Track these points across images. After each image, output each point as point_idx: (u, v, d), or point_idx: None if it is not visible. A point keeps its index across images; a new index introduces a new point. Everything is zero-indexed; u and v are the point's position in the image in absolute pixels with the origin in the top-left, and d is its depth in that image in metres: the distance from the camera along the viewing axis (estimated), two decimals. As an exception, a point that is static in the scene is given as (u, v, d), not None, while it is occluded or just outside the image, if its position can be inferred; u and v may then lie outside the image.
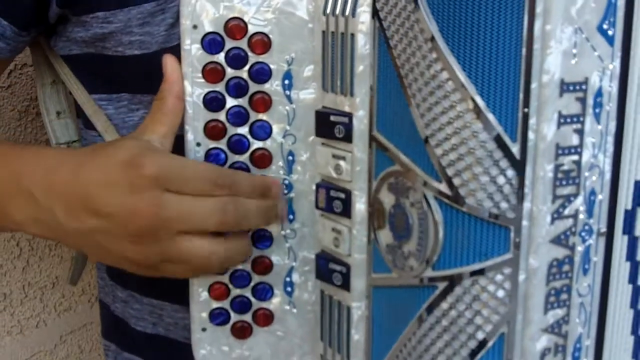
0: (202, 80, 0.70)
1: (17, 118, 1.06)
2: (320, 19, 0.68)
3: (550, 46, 0.59)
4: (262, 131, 0.71)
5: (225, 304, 0.74)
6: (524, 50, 0.59)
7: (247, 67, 0.70)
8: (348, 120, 0.67)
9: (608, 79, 0.62)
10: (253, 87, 0.70)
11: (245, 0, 0.69)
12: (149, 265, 0.67)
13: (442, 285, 0.63)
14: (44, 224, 0.68)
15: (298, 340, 0.75)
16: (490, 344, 0.63)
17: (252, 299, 0.74)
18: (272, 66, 0.70)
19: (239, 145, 0.71)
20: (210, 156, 0.71)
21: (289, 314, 0.74)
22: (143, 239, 0.65)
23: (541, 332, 0.64)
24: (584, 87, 0.61)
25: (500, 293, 0.62)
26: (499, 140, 0.60)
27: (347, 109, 0.67)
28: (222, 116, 0.70)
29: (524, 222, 0.61)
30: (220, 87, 0.70)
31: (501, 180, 0.61)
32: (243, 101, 0.70)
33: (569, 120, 0.61)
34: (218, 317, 0.74)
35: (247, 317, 0.74)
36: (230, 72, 0.70)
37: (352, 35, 0.66)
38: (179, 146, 0.70)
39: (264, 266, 0.73)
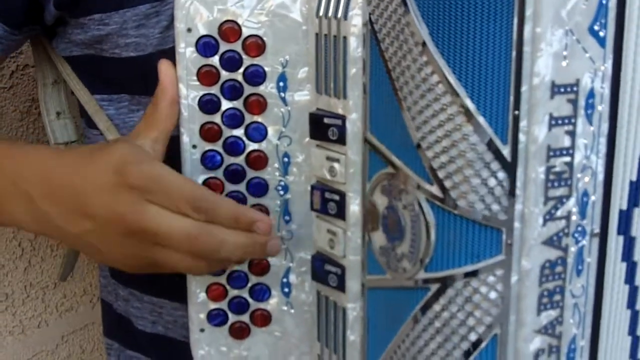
0: (197, 83, 0.70)
1: (19, 119, 1.07)
2: (314, 22, 0.68)
3: (540, 49, 0.59)
4: (258, 133, 0.71)
5: (223, 304, 0.74)
6: (514, 53, 0.59)
7: (241, 70, 0.70)
8: (341, 123, 0.67)
9: (600, 80, 0.61)
10: (248, 90, 0.70)
11: (239, 3, 0.69)
12: (137, 266, 0.68)
13: (434, 287, 0.63)
14: (42, 224, 0.69)
15: (295, 341, 0.75)
16: (483, 345, 0.63)
17: (250, 300, 0.74)
18: (266, 68, 0.70)
19: (234, 147, 0.71)
20: (206, 158, 0.71)
21: (287, 314, 0.75)
22: (128, 243, 0.65)
23: (534, 333, 0.64)
24: (575, 88, 0.61)
25: (493, 295, 0.62)
26: (489, 142, 0.60)
27: (340, 111, 0.67)
28: (217, 118, 0.71)
29: (516, 224, 0.62)
30: (215, 90, 0.70)
31: (492, 182, 0.61)
32: (238, 103, 0.71)
33: (560, 122, 0.61)
34: (216, 318, 0.74)
35: (245, 318, 0.75)
36: (225, 74, 0.70)
37: (345, 38, 0.66)
38: (175, 148, 0.70)
39: (261, 267, 0.74)
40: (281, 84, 0.71)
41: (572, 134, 0.61)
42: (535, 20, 0.58)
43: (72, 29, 0.77)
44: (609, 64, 0.62)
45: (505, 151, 0.60)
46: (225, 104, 0.71)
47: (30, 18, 0.77)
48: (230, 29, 0.69)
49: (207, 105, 0.70)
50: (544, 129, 0.60)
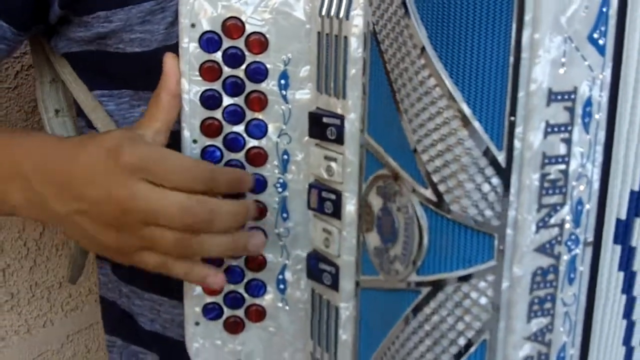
0: (199, 78, 0.70)
1: (23, 119, 1.07)
2: (317, 20, 0.68)
3: (538, 55, 0.59)
4: (258, 130, 0.72)
5: (219, 299, 0.75)
6: (511, 59, 0.59)
7: (243, 67, 0.70)
8: (340, 123, 0.67)
9: (598, 89, 0.61)
10: (249, 86, 0.71)
11: (243, 0, 0.69)
12: (123, 253, 0.68)
13: (425, 290, 0.63)
14: (35, 206, 0.70)
15: (290, 337, 0.76)
16: (472, 350, 0.63)
17: (245, 295, 0.75)
18: (268, 66, 0.70)
19: (234, 143, 0.72)
20: (206, 153, 0.72)
21: (281, 310, 0.75)
22: (116, 225, 0.66)
23: (524, 340, 0.64)
24: (572, 96, 0.60)
25: (483, 300, 0.62)
26: (484, 148, 0.60)
27: (339, 111, 0.67)
28: (218, 114, 0.71)
29: (509, 230, 0.61)
30: (217, 86, 0.71)
31: (486, 188, 0.61)
32: (239, 100, 0.71)
33: (556, 129, 0.60)
34: (211, 312, 0.75)
35: (240, 313, 0.75)
36: (227, 70, 0.70)
37: (346, 38, 0.66)
38: (176, 143, 0.71)
39: (257, 263, 0.74)
40: (282, 81, 0.71)
41: (568, 142, 0.61)
42: (534, 26, 0.58)
43: (75, 27, 0.78)
44: (607, 73, 0.61)
45: (500, 157, 0.60)
46: (227, 100, 0.71)
47: (36, 18, 0.78)
48: (233, 26, 0.69)
49: (209, 100, 0.71)
50: (539, 136, 0.60)
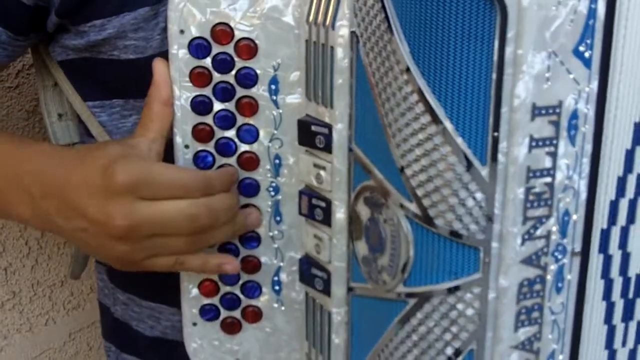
0: (190, 84, 0.70)
1: (24, 118, 1.08)
2: (305, 27, 0.68)
3: (522, 71, 0.58)
4: (249, 135, 0.72)
5: (215, 300, 0.76)
6: (494, 75, 0.58)
7: (233, 72, 0.70)
8: (328, 132, 0.67)
9: (584, 102, 0.61)
10: (240, 92, 0.71)
11: (232, 5, 0.69)
12: (132, 262, 0.69)
13: (412, 302, 0.64)
14: (42, 220, 0.71)
15: (286, 337, 0.77)
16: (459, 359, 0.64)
17: (241, 296, 0.76)
18: (258, 71, 0.70)
19: (226, 148, 0.72)
20: (199, 158, 0.72)
21: (277, 311, 0.76)
22: (121, 244, 0.67)
23: (511, 349, 0.64)
24: (557, 110, 0.60)
25: (469, 311, 0.63)
26: (467, 163, 0.60)
27: (327, 120, 0.67)
28: (209, 119, 0.71)
29: (494, 244, 0.62)
30: (207, 91, 0.71)
31: (470, 202, 0.61)
32: (230, 105, 0.71)
33: (541, 143, 0.60)
34: (208, 313, 0.76)
35: (237, 314, 0.76)
36: (217, 76, 0.70)
37: (332, 47, 0.65)
38: (168, 149, 0.71)
39: (252, 265, 0.75)
40: (273, 86, 0.71)
41: (553, 155, 0.61)
42: (517, 42, 0.58)
43: (71, 35, 0.77)
44: (594, 85, 0.61)
45: (484, 172, 0.60)
46: (217, 106, 0.71)
47: (35, 25, 0.78)
48: (222, 31, 0.69)
49: (200, 106, 0.71)
50: (523, 150, 0.60)
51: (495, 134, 0.59)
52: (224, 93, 0.71)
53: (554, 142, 0.60)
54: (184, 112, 0.71)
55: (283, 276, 0.75)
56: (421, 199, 0.61)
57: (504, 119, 0.59)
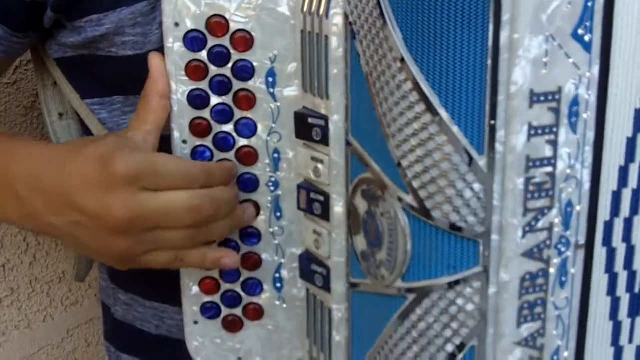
0: (186, 78, 0.69)
1: (22, 114, 1.07)
2: (300, 17, 0.66)
3: (518, 56, 0.56)
4: (247, 129, 0.70)
5: (216, 298, 0.74)
6: (489, 61, 0.56)
7: (230, 65, 0.69)
8: (324, 124, 0.66)
9: (585, 87, 0.58)
10: (237, 85, 0.69)
11: (226, -3, 0.67)
12: (128, 259, 0.67)
13: (411, 297, 0.62)
14: (30, 219, 0.69)
15: (288, 335, 0.75)
16: (460, 356, 0.62)
17: (242, 294, 0.74)
18: (255, 64, 0.69)
19: (224, 142, 0.71)
20: (197, 153, 0.71)
21: (279, 308, 0.74)
22: (121, 235, 0.65)
23: (514, 345, 0.62)
24: (557, 96, 0.58)
25: (470, 307, 0.61)
26: (464, 153, 0.58)
27: (323, 111, 0.66)
28: (206, 114, 0.70)
29: (494, 236, 0.59)
30: (203, 85, 0.69)
31: (468, 194, 0.59)
32: (227, 99, 0.70)
33: (540, 131, 0.58)
34: (209, 311, 0.75)
35: (238, 312, 0.75)
36: (213, 69, 0.69)
37: (326, 37, 0.64)
38: (166, 147, 0.70)
39: (253, 262, 0.73)
40: (270, 79, 0.69)
41: (554, 144, 0.58)
42: (513, 26, 0.55)
43: (68, 32, 0.76)
44: (595, 70, 0.58)
45: (482, 162, 0.58)
46: (215, 100, 0.70)
47: (31, 22, 0.77)
48: (217, 24, 0.68)
49: (196, 100, 0.70)
50: (522, 139, 0.58)
51: (492, 122, 0.57)
52: (221, 86, 0.69)
53: (554, 130, 0.58)
54: (181, 107, 0.70)
55: (284, 273, 0.74)
56: (418, 191, 0.59)
57: (501, 106, 0.57)
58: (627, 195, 0.62)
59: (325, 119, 0.65)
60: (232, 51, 0.69)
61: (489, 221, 0.59)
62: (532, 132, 0.58)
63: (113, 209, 0.63)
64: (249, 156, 0.71)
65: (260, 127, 0.70)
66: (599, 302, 0.64)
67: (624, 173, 0.61)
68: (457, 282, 0.60)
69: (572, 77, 0.58)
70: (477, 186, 0.58)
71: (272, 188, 0.72)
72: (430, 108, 0.57)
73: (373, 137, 0.62)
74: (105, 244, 0.66)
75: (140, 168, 0.63)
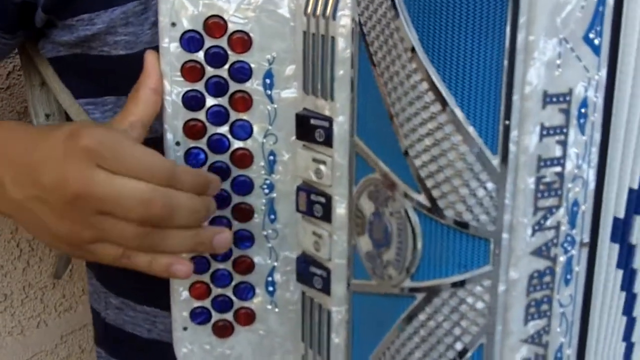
0: (181, 78, 0.68)
1: (15, 119, 1.05)
2: (302, 19, 0.66)
3: (533, 57, 0.57)
4: (243, 131, 0.70)
5: (206, 303, 0.73)
6: (505, 62, 0.57)
7: (227, 66, 0.68)
8: (328, 125, 0.66)
9: (594, 90, 0.60)
10: (233, 86, 0.69)
11: (225, -3, 0.67)
12: (76, 244, 0.65)
13: (420, 296, 0.62)
14: None
15: (280, 339, 0.74)
16: (469, 354, 0.63)
17: (234, 298, 0.73)
18: (252, 65, 0.68)
19: (219, 144, 0.70)
20: (190, 155, 0.70)
21: (271, 313, 0.74)
22: (69, 213, 0.62)
23: (521, 342, 0.63)
24: (568, 98, 0.59)
25: (480, 305, 0.62)
26: (479, 152, 0.59)
27: (327, 112, 0.66)
28: (201, 115, 0.69)
29: (504, 235, 0.60)
30: (199, 86, 0.68)
31: (481, 193, 0.59)
32: (223, 100, 0.69)
33: (551, 132, 0.59)
34: (199, 316, 0.73)
35: (229, 316, 0.74)
36: (209, 70, 0.68)
37: (333, 38, 0.64)
38: (158, 146, 0.68)
39: (245, 266, 0.73)
40: (267, 81, 0.69)
41: (563, 144, 0.60)
42: (529, 28, 0.57)
43: (59, 31, 0.75)
44: (603, 73, 0.60)
45: (495, 161, 0.59)
46: (210, 101, 0.69)
47: (22, 22, 0.75)
48: (215, 24, 0.67)
49: (191, 101, 0.69)
50: (534, 139, 0.59)
51: (507, 122, 0.58)
52: (217, 88, 0.69)
53: (564, 130, 0.60)
54: (175, 108, 0.69)
55: (277, 276, 0.73)
56: (430, 190, 0.60)
57: (516, 107, 0.58)
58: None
59: (330, 120, 0.65)
60: (229, 52, 0.68)
61: (500, 220, 0.60)
62: (544, 132, 0.59)
63: (67, 179, 0.61)
64: (243, 158, 0.70)
65: (256, 129, 0.70)
66: (608, 298, 0.65)
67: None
68: (467, 281, 0.61)
69: (582, 79, 0.59)
70: (490, 185, 0.59)
71: (267, 190, 0.71)
72: (446, 107, 0.58)
73: (382, 138, 0.62)
74: (55, 222, 0.64)
75: (102, 143, 0.61)
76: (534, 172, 0.60)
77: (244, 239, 0.72)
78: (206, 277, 0.73)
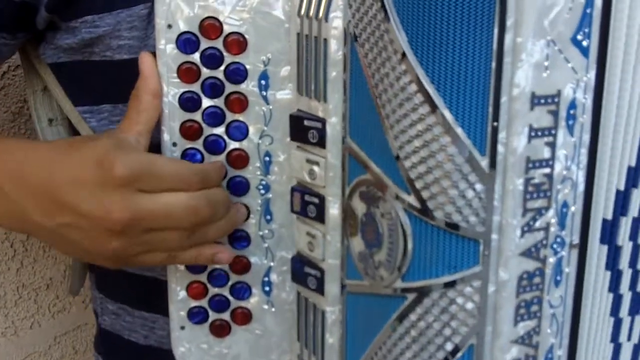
0: (178, 80, 0.69)
1: (10, 120, 1.05)
2: (296, 20, 0.67)
3: (521, 59, 0.58)
4: (239, 132, 0.70)
5: (204, 302, 0.74)
6: (493, 64, 0.58)
7: (222, 67, 0.69)
8: (321, 126, 0.66)
9: (582, 91, 0.60)
10: (229, 88, 0.69)
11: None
12: (122, 259, 0.67)
13: (411, 297, 0.63)
14: (16, 219, 0.68)
15: (276, 339, 0.75)
16: (459, 355, 0.63)
17: (230, 298, 0.74)
18: (247, 66, 0.69)
19: (215, 145, 0.71)
20: (187, 156, 0.70)
21: (268, 313, 0.74)
22: (117, 237, 0.64)
23: (511, 343, 0.63)
24: (556, 99, 0.59)
25: (469, 305, 0.62)
26: (467, 154, 0.59)
27: (320, 114, 0.66)
28: (197, 116, 0.70)
29: (494, 236, 0.61)
30: (195, 87, 0.69)
31: (470, 194, 0.60)
32: (219, 101, 0.70)
33: (540, 133, 0.60)
34: (196, 316, 0.74)
35: (226, 316, 0.74)
36: (205, 72, 0.69)
37: (325, 40, 0.65)
38: (155, 146, 0.69)
39: (241, 266, 0.73)
40: (263, 82, 0.69)
41: (552, 146, 0.60)
42: (517, 30, 0.57)
43: (62, 33, 0.75)
44: (592, 74, 0.60)
45: (484, 163, 0.59)
46: (206, 102, 0.70)
47: (22, 23, 0.75)
48: (211, 26, 0.68)
49: (188, 102, 0.69)
50: (523, 141, 0.59)
51: (495, 123, 0.59)
52: (213, 89, 0.69)
53: (553, 132, 0.60)
54: (172, 109, 0.69)
55: (273, 276, 0.74)
56: (420, 191, 0.60)
57: (504, 108, 0.58)
58: (637, 196, 0.63)
59: (322, 121, 0.66)
60: (225, 54, 0.69)
61: (490, 221, 0.60)
62: (533, 133, 0.59)
63: (112, 210, 0.63)
64: (239, 159, 0.71)
65: (251, 130, 0.70)
66: (597, 299, 0.66)
67: (633, 174, 0.63)
68: (457, 281, 0.62)
69: (570, 81, 0.60)
70: (479, 186, 0.60)
71: (263, 191, 0.72)
72: (435, 109, 0.59)
73: (373, 139, 0.63)
74: (99, 245, 0.65)
75: (138, 170, 0.63)
76: (523, 174, 0.60)
77: (240, 239, 0.73)
78: (203, 277, 0.73)
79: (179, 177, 0.64)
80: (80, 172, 0.64)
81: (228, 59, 0.69)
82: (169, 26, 0.68)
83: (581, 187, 0.62)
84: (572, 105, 0.60)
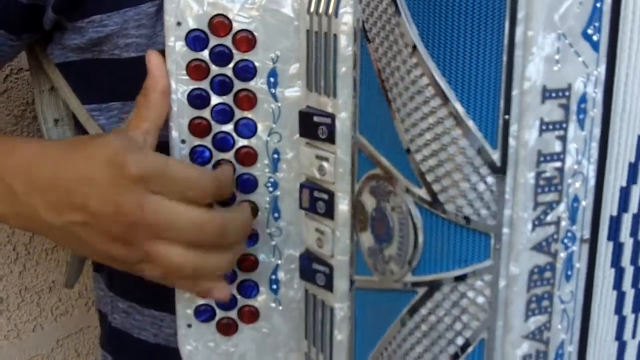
0: (187, 77, 0.69)
1: (13, 123, 1.06)
2: (305, 17, 0.67)
3: (532, 52, 0.58)
4: (247, 129, 0.70)
5: (211, 300, 0.74)
6: (504, 57, 0.58)
7: (231, 65, 0.69)
8: (331, 122, 0.66)
9: (592, 85, 0.60)
10: (238, 85, 0.69)
11: (230, -3, 0.68)
12: (123, 263, 0.67)
13: (422, 291, 0.63)
14: (24, 218, 0.68)
15: (284, 337, 0.75)
16: (470, 349, 0.63)
17: (238, 296, 0.74)
18: (257, 64, 0.69)
19: (224, 142, 0.71)
20: (195, 153, 0.70)
21: (275, 311, 0.74)
22: (123, 238, 0.64)
23: (522, 338, 0.63)
24: (567, 93, 0.60)
25: (480, 299, 0.62)
26: (479, 147, 0.59)
27: (330, 109, 0.66)
28: (206, 113, 0.70)
29: (505, 229, 0.61)
30: (204, 85, 0.69)
31: (481, 187, 0.60)
32: (228, 99, 0.70)
33: (551, 127, 0.60)
34: (203, 314, 0.74)
35: (233, 314, 0.74)
36: (214, 69, 0.69)
37: (335, 35, 0.65)
38: (164, 143, 0.69)
39: (249, 263, 0.73)
40: (271, 79, 0.70)
41: (563, 139, 0.60)
42: (527, 23, 0.57)
43: (70, 33, 0.75)
44: (602, 68, 0.61)
45: (495, 156, 0.59)
46: (215, 99, 0.70)
47: (31, 24, 0.75)
48: (220, 23, 0.68)
49: (197, 100, 0.70)
50: (534, 134, 0.59)
51: (506, 116, 0.59)
52: (222, 86, 0.69)
53: (564, 125, 0.60)
54: (181, 106, 0.69)
55: (281, 274, 0.74)
56: (431, 184, 0.60)
57: (515, 101, 0.59)
58: (636, 192, 0.64)
59: (332, 117, 0.66)
60: (234, 51, 0.69)
61: (501, 214, 0.60)
62: (544, 127, 0.59)
63: (123, 209, 0.62)
64: (248, 156, 0.71)
65: (260, 127, 0.70)
66: (603, 296, 0.66)
67: (634, 169, 0.63)
68: (468, 275, 0.62)
69: (581, 75, 0.60)
70: (490, 179, 0.60)
71: (271, 189, 0.72)
72: (446, 102, 0.59)
73: (383, 133, 0.63)
74: (104, 245, 0.65)
75: (151, 170, 0.63)
76: (534, 167, 0.60)
77: (248, 237, 0.72)
78: (211, 275, 0.73)
79: (191, 182, 0.64)
80: (90, 170, 0.64)
81: (237, 56, 0.69)
82: (178, 24, 0.68)
83: (592, 181, 0.63)
84: (583, 99, 0.60)
